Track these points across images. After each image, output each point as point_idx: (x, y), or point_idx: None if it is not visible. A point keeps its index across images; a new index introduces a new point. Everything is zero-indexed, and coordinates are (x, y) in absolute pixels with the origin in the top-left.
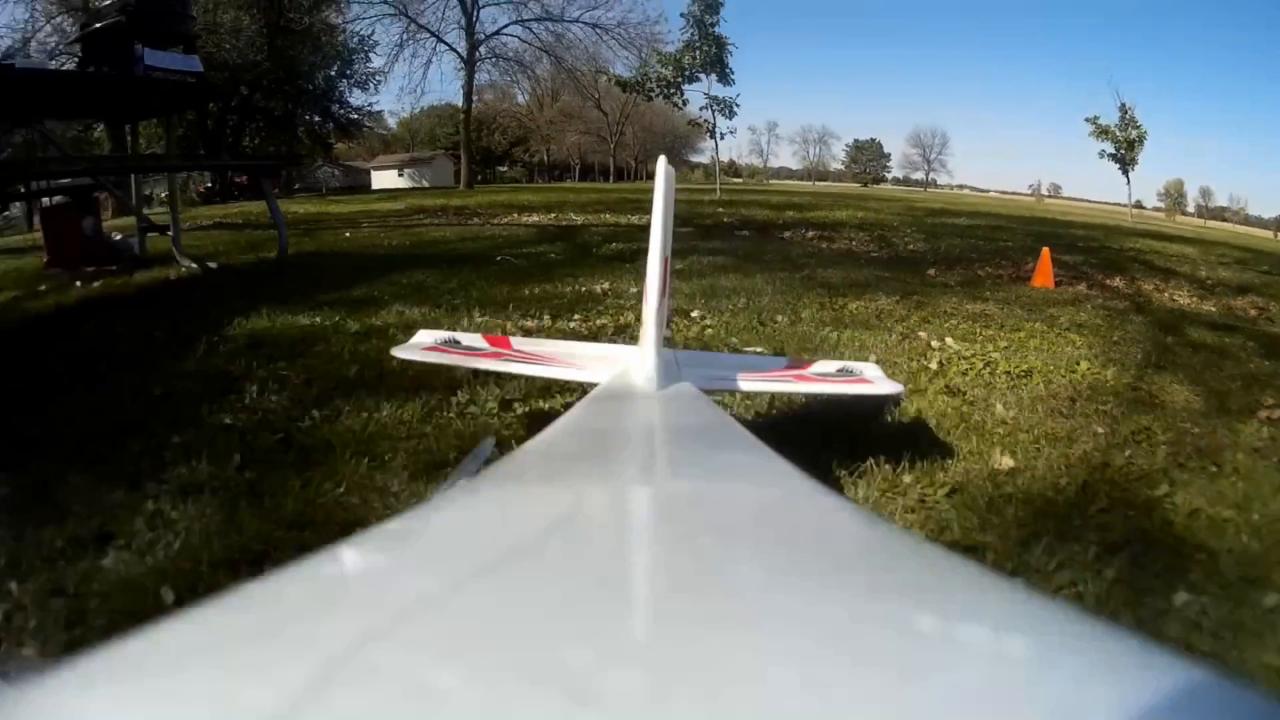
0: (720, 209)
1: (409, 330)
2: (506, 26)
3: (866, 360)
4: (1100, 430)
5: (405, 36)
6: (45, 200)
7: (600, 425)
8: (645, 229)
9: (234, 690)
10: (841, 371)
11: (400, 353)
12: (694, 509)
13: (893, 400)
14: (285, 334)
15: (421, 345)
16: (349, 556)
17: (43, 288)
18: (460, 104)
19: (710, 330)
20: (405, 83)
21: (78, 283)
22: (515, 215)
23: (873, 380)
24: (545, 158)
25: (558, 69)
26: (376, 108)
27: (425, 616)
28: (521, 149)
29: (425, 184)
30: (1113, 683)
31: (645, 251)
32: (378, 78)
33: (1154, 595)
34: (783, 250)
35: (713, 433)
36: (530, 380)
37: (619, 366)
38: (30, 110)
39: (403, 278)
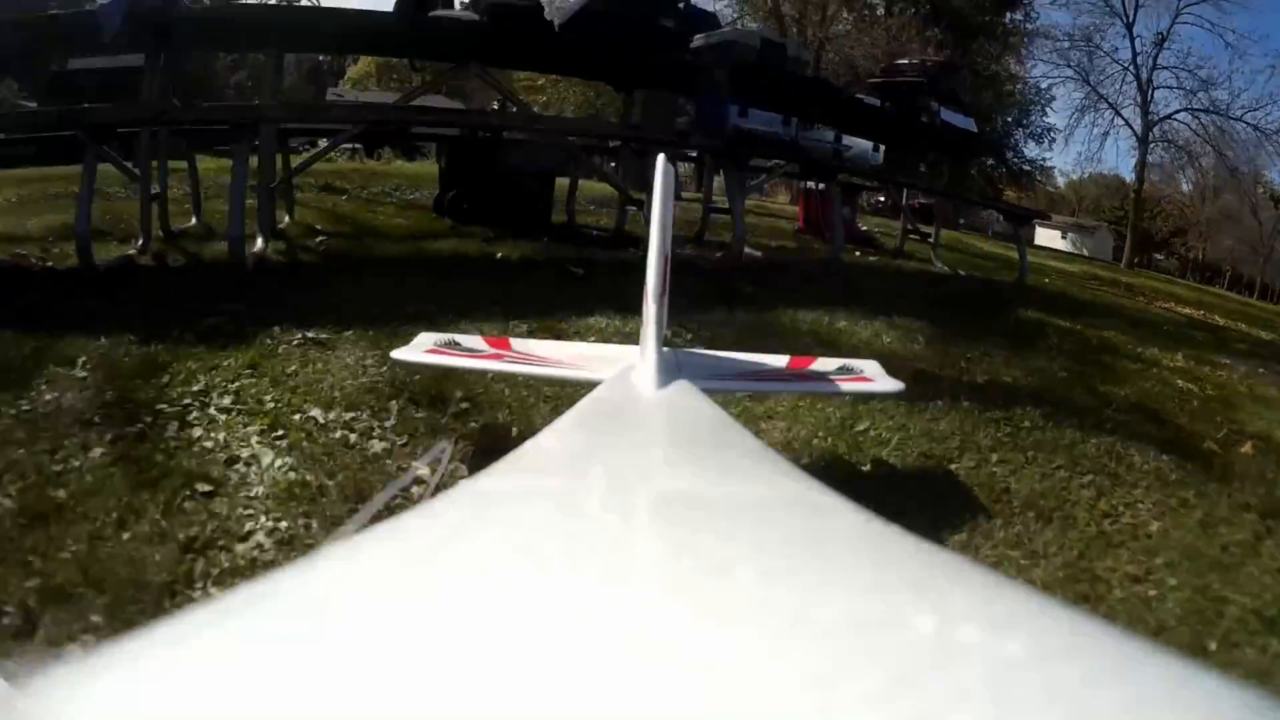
0: None
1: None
2: (1176, 113)
3: None
4: None
5: (1085, 103)
6: (809, 184)
7: (600, 424)
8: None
9: (233, 691)
10: (842, 370)
11: (400, 354)
12: (693, 508)
13: (895, 397)
14: (1056, 325)
15: (423, 347)
16: (349, 556)
17: (793, 244)
18: (1125, 178)
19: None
20: (1083, 148)
21: (856, 252)
22: (1171, 304)
23: (873, 379)
24: (1200, 255)
25: (1220, 164)
26: (1049, 163)
27: (425, 615)
28: (1179, 240)
29: (1084, 252)
30: (1112, 683)
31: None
32: (1053, 134)
33: None
34: None
35: (712, 432)
36: None
37: (619, 366)
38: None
39: (1112, 319)
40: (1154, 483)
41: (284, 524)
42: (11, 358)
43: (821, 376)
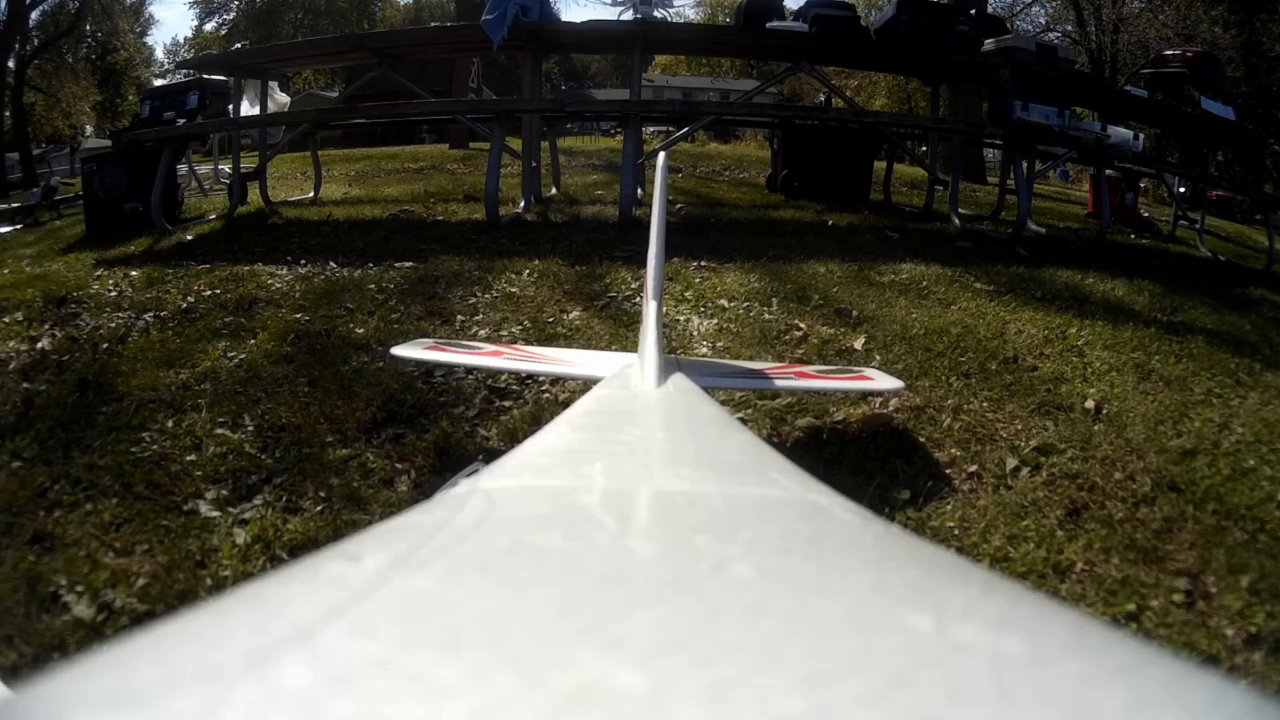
0: None
1: None
2: None
3: None
4: None
5: None
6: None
7: (598, 422)
8: None
9: (232, 691)
10: (842, 369)
11: (400, 351)
12: (692, 506)
13: (895, 395)
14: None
15: (423, 345)
16: (348, 556)
17: (1079, 225)
18: None
19: None
20: None
21: (1131, 235)
22: None
23: (873, 377)
24: None
25: None
26: None
27: (424, 616)
28: None
29: None
30: (1112, 683)
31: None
32: None
33: None
34: None
35: (711, 429)
36: None
37: (618, 365)
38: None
39: None
40: None
41: (720, 345)
42: (485, 267)
43: (823, 374)
